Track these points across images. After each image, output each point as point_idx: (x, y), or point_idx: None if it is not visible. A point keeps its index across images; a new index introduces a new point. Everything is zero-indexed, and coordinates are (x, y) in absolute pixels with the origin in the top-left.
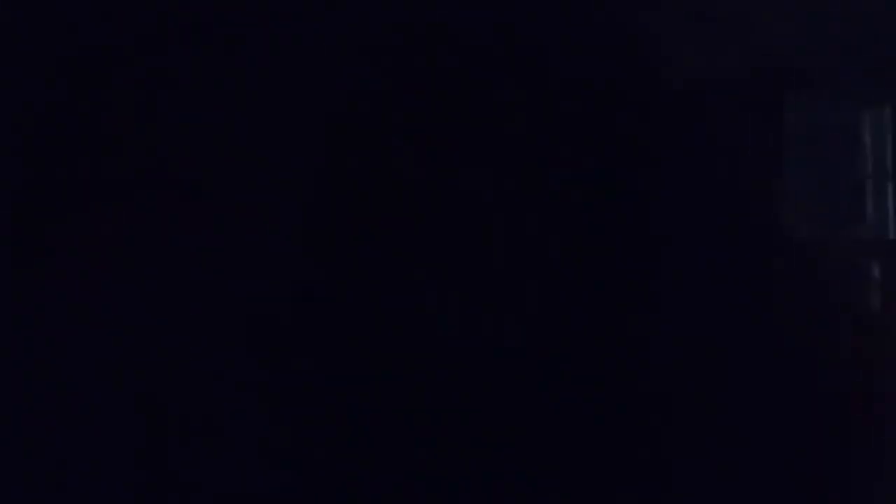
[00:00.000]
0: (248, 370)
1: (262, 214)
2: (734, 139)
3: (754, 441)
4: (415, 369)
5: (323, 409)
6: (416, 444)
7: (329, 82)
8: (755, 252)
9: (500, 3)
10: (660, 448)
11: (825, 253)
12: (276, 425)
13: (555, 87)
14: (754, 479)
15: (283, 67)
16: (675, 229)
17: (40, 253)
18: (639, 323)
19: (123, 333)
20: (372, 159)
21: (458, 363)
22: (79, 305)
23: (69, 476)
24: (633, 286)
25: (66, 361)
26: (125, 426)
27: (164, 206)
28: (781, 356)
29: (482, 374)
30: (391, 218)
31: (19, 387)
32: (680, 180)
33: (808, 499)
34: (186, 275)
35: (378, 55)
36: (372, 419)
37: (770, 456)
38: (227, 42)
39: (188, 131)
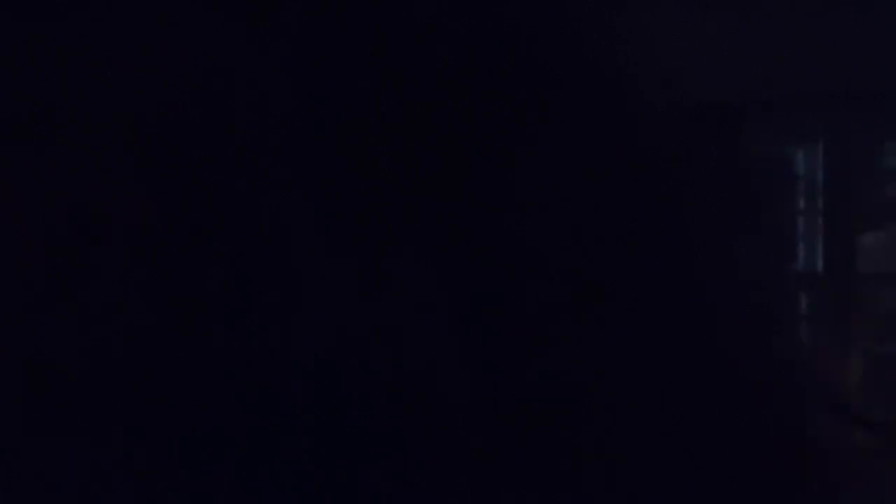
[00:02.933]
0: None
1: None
2: (668, 174)
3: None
4: (408, 371)
5: (319, 410)
6: (409, 447)
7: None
8: (686, 287)
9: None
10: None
11: (757, 285)
12: (274, 429)
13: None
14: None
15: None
16: (616, 254)
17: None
18: (579, 354)
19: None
20: (364, 160)
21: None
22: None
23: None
24: (576, 326)
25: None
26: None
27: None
28: (709, 390)
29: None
30: (384, 218)
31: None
32: (614, 211)
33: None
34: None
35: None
36: (368, 419)
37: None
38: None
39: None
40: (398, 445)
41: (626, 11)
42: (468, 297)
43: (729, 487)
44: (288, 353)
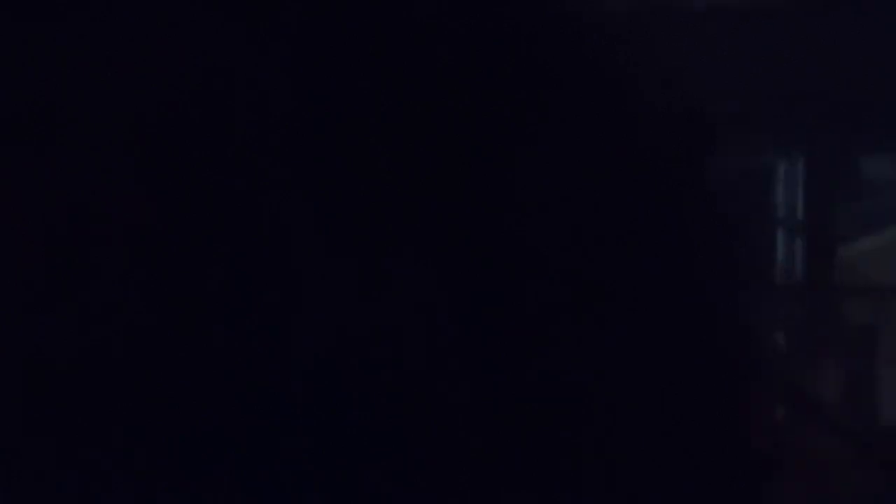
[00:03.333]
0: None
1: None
2: (648, 183)
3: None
4: (406, 370)
5: (320, 410)
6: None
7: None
8: (676, 290)
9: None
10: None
11: (737, 297)
12: (275, 427)
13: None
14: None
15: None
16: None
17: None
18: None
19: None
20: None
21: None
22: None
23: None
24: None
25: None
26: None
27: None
28: (691, 398)
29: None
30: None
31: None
32: (597, 221)
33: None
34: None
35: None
36: (368, 420)
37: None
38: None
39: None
40: (398, 446)
41: (623, 15)
42: (468, 297)
43: (721, 490)
44: (288, 353)
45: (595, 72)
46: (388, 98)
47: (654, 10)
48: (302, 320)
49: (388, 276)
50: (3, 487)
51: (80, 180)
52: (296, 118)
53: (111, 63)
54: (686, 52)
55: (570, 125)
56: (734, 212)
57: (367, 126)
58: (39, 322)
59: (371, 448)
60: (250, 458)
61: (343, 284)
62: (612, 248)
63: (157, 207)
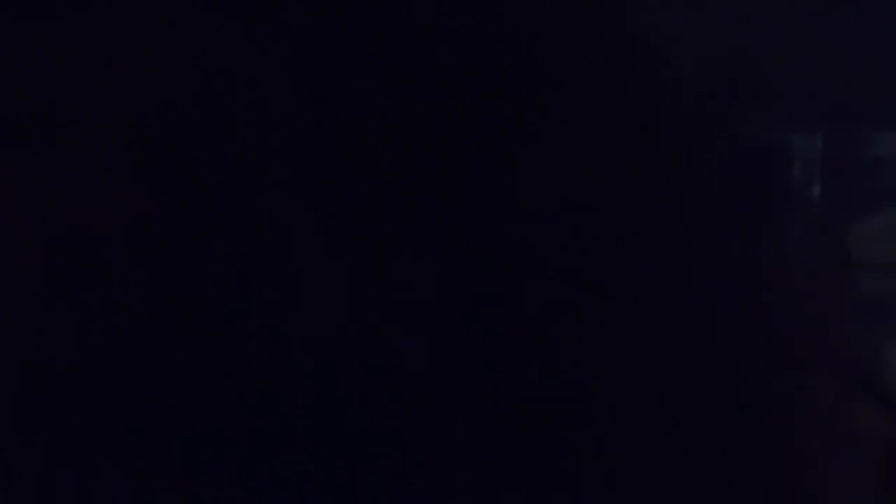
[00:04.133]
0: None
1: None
2: (669, 157)
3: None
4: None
5: (322, 409)
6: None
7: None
8: (684, 271)
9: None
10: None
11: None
12: (274, 424)
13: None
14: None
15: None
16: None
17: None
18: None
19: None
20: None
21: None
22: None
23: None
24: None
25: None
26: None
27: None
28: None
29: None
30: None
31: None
32: (618, 196)
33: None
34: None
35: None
36: (368, 419)
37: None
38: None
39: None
40: (397, 445)
41: (627, 9)
42: (469, 297)
43: (731, 484)
44: (288, 352)
45: (615, 48)
46: (390, 100)
47: None
48: (301, 320)
49: (387, 277)
50: (3, 487)
51: (81, 181)
52: (296, 120)
53: (111, 65)
54: (702, 28)
55: (586, 122)
56: (753, 193)
57: (368, 128)
58: (40, 322)
59: (370, 447)
60: (250, 456)
61: (342, 284)
62: (628, 242)
63: (157, 208)
